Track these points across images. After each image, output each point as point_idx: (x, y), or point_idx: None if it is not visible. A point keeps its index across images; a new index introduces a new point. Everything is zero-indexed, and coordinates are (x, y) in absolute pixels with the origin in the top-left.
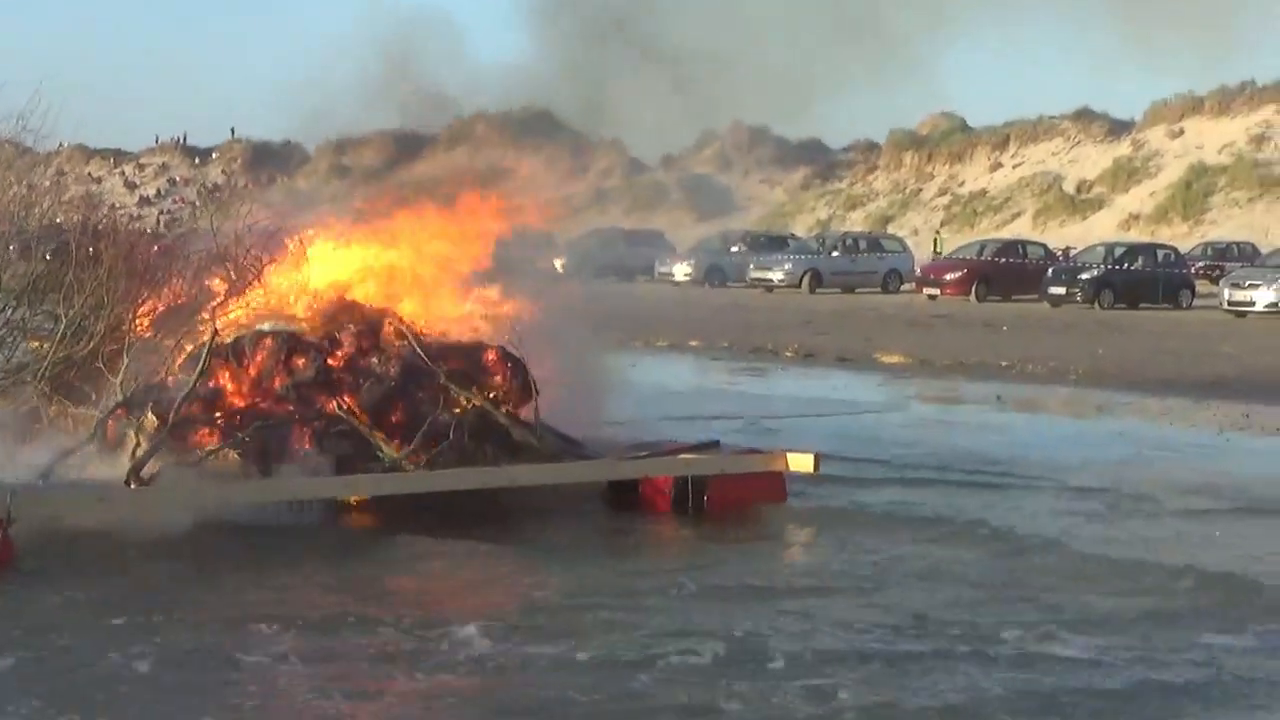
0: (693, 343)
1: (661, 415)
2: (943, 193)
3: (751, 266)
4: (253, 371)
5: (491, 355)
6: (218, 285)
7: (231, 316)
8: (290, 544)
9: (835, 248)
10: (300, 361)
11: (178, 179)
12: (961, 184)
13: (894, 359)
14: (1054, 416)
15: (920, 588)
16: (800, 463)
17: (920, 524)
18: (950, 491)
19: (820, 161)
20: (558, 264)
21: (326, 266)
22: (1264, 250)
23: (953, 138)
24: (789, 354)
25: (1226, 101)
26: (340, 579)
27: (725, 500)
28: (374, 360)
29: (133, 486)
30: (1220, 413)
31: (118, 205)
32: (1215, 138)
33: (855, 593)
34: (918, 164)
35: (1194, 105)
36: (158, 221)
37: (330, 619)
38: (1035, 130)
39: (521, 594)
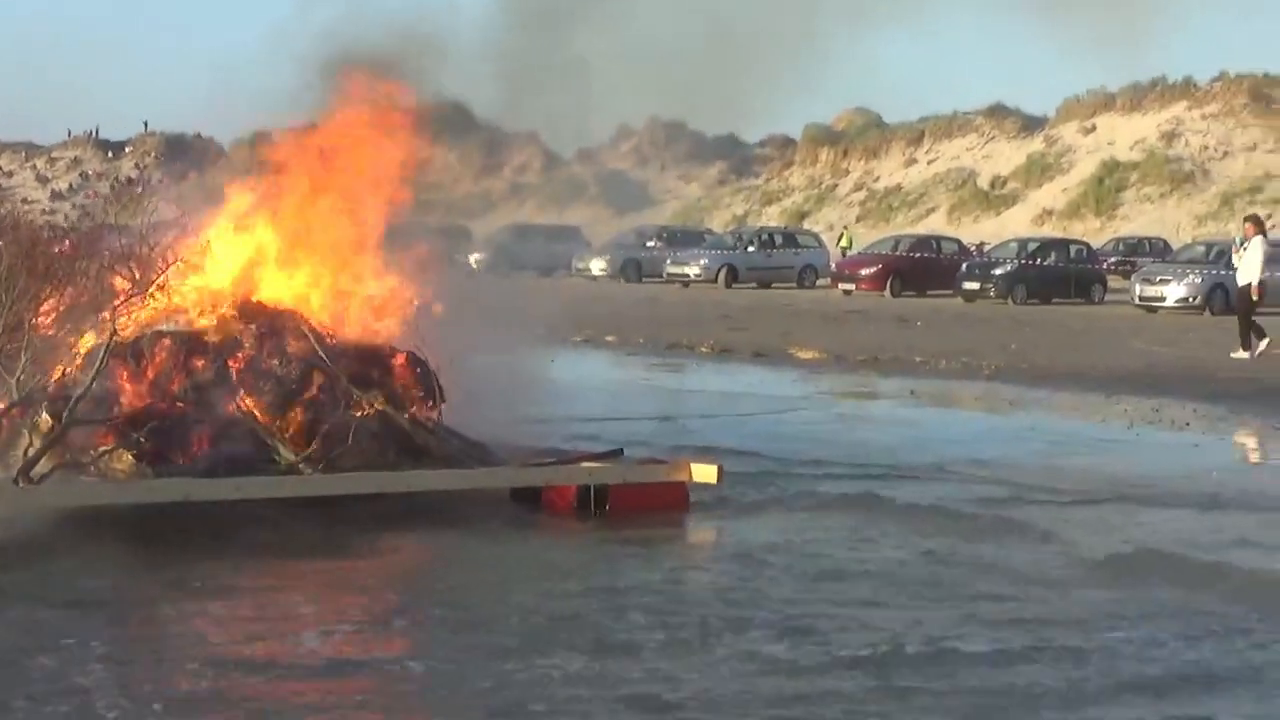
0: (609, 338)
1: (577, 414)
2: (858, 188)
3: (668, 262)
4: (151, 372)
5: (400, 359)
6: (120, 284)
7: (134, 316)
8: (180, 533)
9: (751, 243)
10: (199, 362)
11: (90, 173)
12: (877, 179)
13: (809, 354)
14: (967, 411)
15: (821, 589)
16: (704, 473)
17: (828, 522)
18: (862, 487)
19: (736, 157)
20: (473, 259)
21: (230, 264)
22: (1175, 246)
23: (868, 134)
24: (705, 349)
25: (1138, 98)
26: (206, 567)
27: (626, 509)
28: (275, 362)
29: (21, 485)
30: (1131, 407)
31: (29, 200)
32: (1127, 134)
33: (751, 598)
34: (833, 159)
35: (1106, 102)
36: (65, 217)
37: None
38: (950, 126)
39: (393, 592)
